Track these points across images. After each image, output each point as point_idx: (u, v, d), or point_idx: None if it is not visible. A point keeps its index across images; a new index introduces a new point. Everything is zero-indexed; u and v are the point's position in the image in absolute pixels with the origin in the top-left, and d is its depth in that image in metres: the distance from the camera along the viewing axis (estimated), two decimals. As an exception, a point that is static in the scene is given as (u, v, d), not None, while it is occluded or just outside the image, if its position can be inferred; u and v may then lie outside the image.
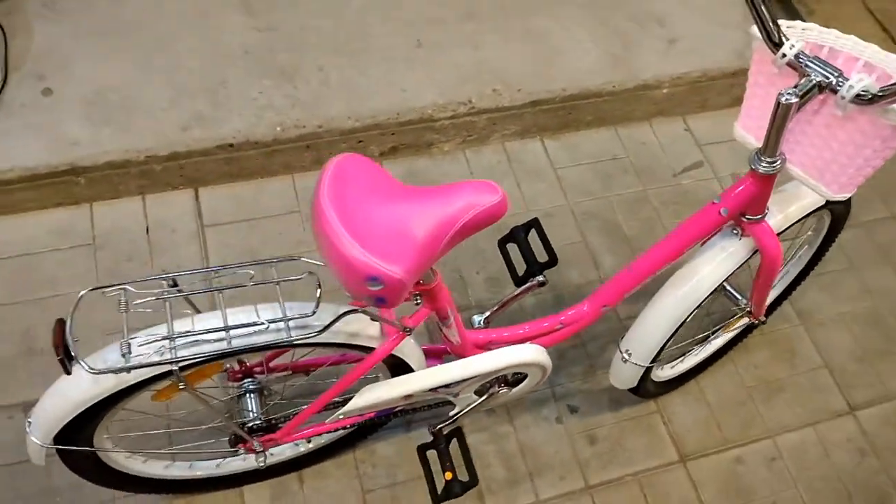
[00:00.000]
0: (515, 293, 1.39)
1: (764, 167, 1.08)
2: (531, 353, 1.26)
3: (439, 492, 1.31)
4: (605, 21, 2.11)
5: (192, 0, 1.94)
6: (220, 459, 1.39)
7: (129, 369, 0.91)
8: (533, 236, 1.42)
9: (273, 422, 1.23)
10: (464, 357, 1.25)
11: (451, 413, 1.39)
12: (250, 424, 1.20)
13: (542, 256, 1.39)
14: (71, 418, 1.00)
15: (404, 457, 1.57)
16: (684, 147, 2.13)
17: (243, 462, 1.42)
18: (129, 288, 0.96)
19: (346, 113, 1.83)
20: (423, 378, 1.19)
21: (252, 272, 1.01)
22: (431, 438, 1.36)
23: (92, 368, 0.90)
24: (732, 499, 1.62)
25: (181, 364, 0.94)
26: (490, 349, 1.30)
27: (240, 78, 1.84)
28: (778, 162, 1.07)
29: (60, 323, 0.92)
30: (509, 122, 1.99)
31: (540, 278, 1.37)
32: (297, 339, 0.98)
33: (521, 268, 1.41)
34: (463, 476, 1.32)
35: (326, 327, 0.99)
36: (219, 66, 1.84)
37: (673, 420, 1.69)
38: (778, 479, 1.65)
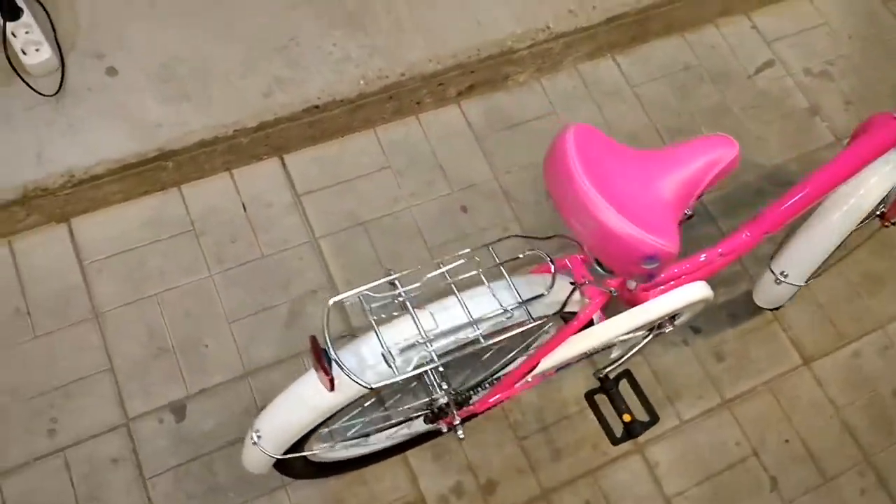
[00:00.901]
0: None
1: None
2: (700, 291, 1.27)
3: (617, 436, 1.34)
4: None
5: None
6: (395, 430, 1.39)
7: (403, 379, 0.88)
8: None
9: (470, 394, 1.23)
10: (636, 303, 1.25)
11: (614, 356, 1.41)
12: (452, 399, 1.20)
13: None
14: (311, 428, 0.99)
15: (547, 400, 1.59)
16: (753, 46, 2.09)
17: (408, 430, 1.43)
18: (368, 293, 0.92)
19: (426, 56, 1.73)
20: (622, 323, 1.19)
21: (478, 258, 0.98)
22: (598, 384, 1.38)
23: (368, 384, 0.87)
24: (857, 390, 1.70)
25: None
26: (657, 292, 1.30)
27: (311, 31, 1.71)
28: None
29: (314, 340, 0.88)
30: (583, 44, 1.91)
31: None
32: (539, 319, 0.96)
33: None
34: (641, 415, 1.35)
35: (564, 305, 0.97)
36: (286, 20, 1.71)
37: (791, 326, 1.74)
38: (893, 366, 1.73)
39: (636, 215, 0.84)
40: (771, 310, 1.66)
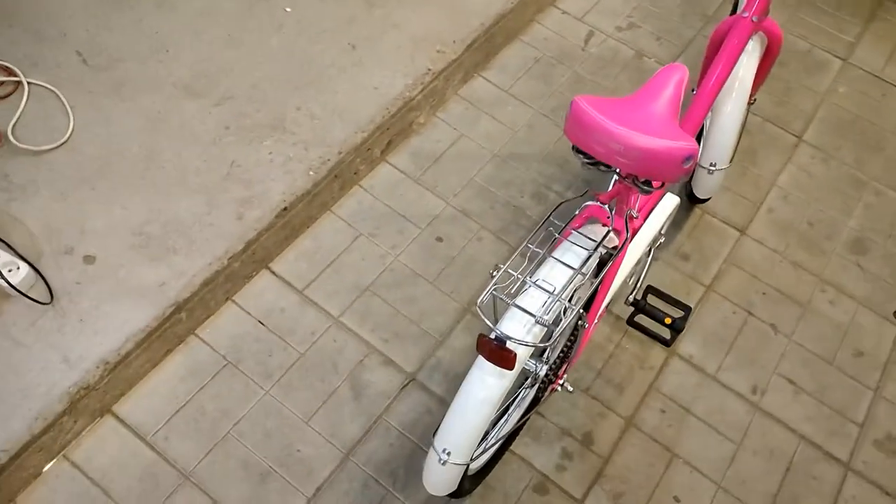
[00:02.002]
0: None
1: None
2: (673, 201, 1.59)
3: (667, 338, 1.61)
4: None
5: (138, 110, 1.88)
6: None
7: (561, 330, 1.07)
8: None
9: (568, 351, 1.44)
10: (634, 231, 1.54)
11: (632, 282, 1.68)
12: (561, 358, 1.40)
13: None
14: (487, 427, 1.14)
15: (587, 354, 1.83)
16: (572, 26, 2.51)
17: (518, 411, 1.60)
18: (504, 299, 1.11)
19: (351, 130, 1.94)
20: (640, 243, 1.47)
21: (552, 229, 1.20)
22: (632, 308, 1.64)
23: (545, 343, 1.05)
24: (785, 234, 2.11)
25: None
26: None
27: (244, 152, 1.85)
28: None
29: (482, 337, 1.04)
30: (456, 73, 2.22)
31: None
32: (615, 254, 1.21)
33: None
34: (676, 313, 1.63)
35: (625, 242, 1.22)
36: (217, 153, 1.84)
37: (717, 212, 2.12)
38: (797, 207, 2.17)
39: (664, 134, 1.11)
40: (703, 201, 2.03)
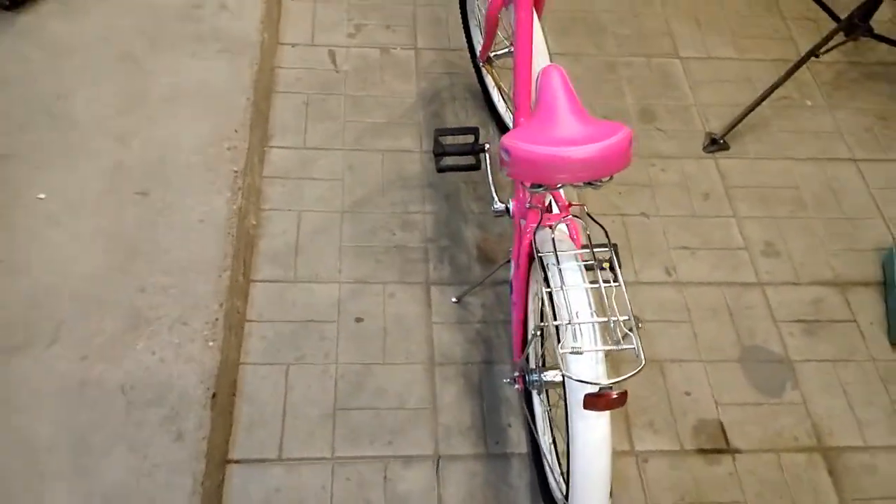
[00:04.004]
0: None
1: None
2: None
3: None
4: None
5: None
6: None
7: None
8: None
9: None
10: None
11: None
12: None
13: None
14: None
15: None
16: (311, 55, 2.44)
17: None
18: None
19: (211, 277, 1.72)
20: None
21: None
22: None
23: (640, 364, 1.08)
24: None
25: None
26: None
27: (123, 372, 1.56)
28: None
29: (592, 396, 1.05)
30: (253, 159, 2.05)
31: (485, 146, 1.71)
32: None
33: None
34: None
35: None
36: (95, 397, 1.53)
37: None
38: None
39: (603, 132, 1.15)
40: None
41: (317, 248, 1.97)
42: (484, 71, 2.20)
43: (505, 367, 1.82)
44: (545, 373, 1.44)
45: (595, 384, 1.07)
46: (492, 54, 2.06)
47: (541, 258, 1.22)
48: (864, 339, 1.97)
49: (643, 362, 1.06)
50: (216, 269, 1.72)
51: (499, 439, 1.71)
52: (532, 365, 1.57)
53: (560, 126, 1.17)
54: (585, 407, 1.08)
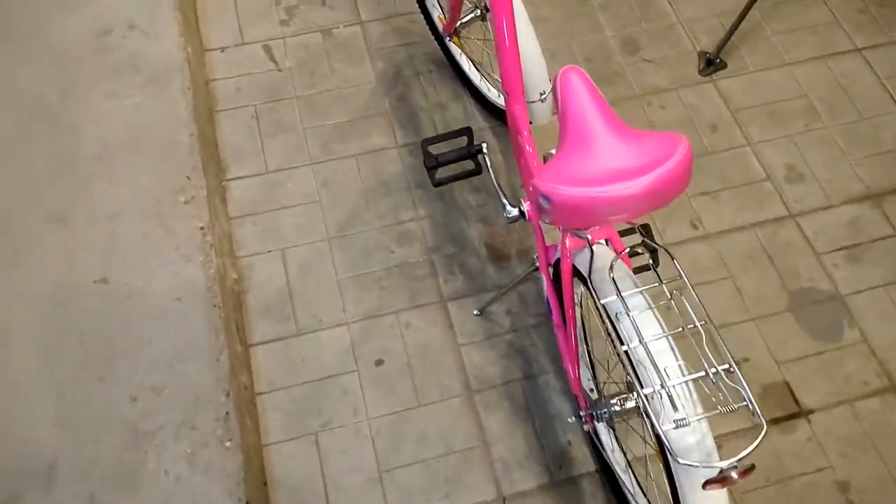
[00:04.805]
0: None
1: None
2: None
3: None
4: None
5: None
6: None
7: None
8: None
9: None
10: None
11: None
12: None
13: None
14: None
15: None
16: (245, 56, 2.12)
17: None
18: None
19: (206, 362, 1.50)
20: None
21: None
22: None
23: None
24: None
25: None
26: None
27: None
28: None
29: (718, 480, 0.88)
30: (214, 203, 1.79)
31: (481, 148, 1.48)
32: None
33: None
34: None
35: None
36: None
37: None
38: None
39: (653, 149, 0.94)
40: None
41: (311, 288, 1.75)
42: (451, 45, 1.92)
43: (549, 378, 1.66)
44: (612, 401, 1.27)
45: (715, 467, 0.89)
46: (457, 24, 1.78)
47: (603, 306, 1.02)
48: (910, 253, 1.84)
49: (764, 427, 0.89)
50: (211, 353, 1.50)
51: (562, 462, 1.57)
52: (593, 393, 1.41)
53: (602, 152, 0.95)
54: (705, 488, 0.91)
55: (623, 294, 1.00)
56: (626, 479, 1.42)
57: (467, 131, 1.48)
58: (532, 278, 1.74)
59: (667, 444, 0.91)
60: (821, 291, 1.79)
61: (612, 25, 2.20)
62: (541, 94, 1.60)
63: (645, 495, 1.40)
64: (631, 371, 0.98)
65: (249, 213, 1.85)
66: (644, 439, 1.38)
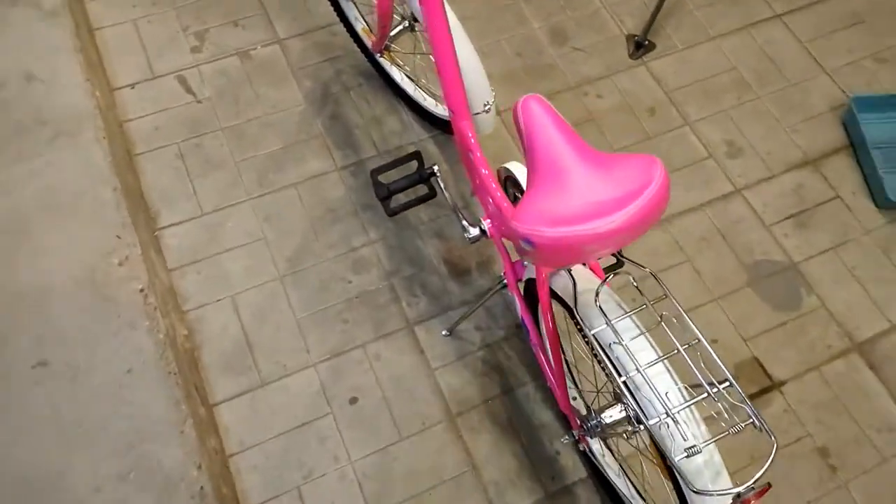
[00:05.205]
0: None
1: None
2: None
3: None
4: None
5: None
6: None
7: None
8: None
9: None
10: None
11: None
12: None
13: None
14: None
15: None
16: (159, 89, 1.98)
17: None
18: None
19: (173, 433, 1.40)
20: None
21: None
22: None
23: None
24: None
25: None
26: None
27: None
28: None
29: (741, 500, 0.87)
30: (150, 257, 1.67)
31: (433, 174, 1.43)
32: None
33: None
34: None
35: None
36: None
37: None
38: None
39: (632, 176, 0.90)
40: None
41: (269, 333, 1.66)
42: (382, 61, 1.85)
43: (528, 389, 1.64)
44: (603, 415, 1.25)
45: (730, 493, 0.88)
46: (387, 40, 1.71)
47: (594, 336, 0.99)
48: (852, 213, 1.89)
49: (775, 444, 0.88)
50: (174, 425, 1.40)
51: (553, 473, 1.55)
52: (576, 401, 1.38)
53: (578, 186, 0.91)
54: (725, 511, 0.89)
55: (613, 322, 0.97)
56: (619, 483, 1.41)
57: (416, 155, 1.42)
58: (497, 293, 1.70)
59: (681, 474, 0.89)
60: (776, 262, 1.82)
61: (538, 16, 2.16)
62: (485, 106, 1.55)
63: (642, 496, 1.40)
64: (631, 401, 0.95)
65: (190, 261, 1.73)
66: (636, 447, 1.37)
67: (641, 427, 0.94)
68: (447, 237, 1.81)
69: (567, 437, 1.33)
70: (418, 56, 1.88)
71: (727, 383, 0.93)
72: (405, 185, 1.41)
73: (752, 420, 0.89)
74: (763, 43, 2.15)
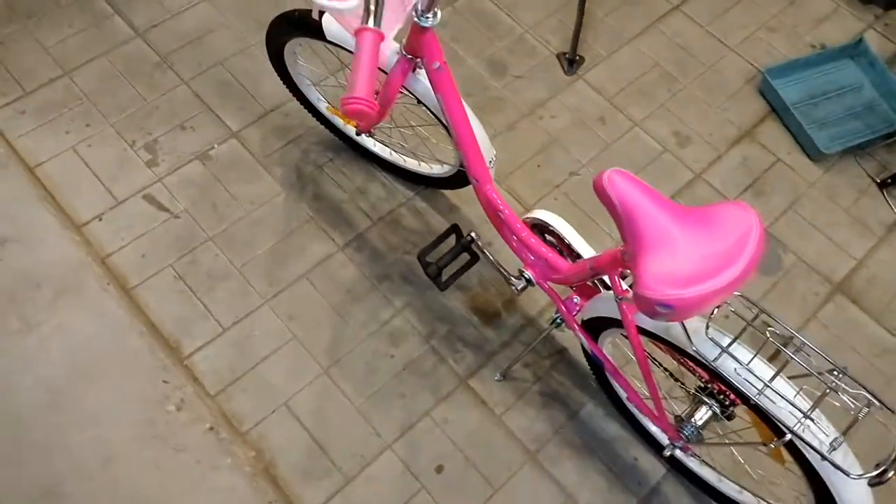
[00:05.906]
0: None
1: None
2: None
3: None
4: None
5: None
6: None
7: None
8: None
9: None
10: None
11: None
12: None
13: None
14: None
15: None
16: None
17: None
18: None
19: None
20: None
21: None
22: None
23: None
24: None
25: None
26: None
27: None
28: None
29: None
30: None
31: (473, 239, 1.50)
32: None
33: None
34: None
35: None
36: None
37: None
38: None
39: (725, 227, 1.03)
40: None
41: (335, 428, 1.66)
42: (369, 142, 1.88)
43: (589, 408, 1.74)
44: (695, 416, 1.38)
45: (885, 472, 1.02)
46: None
47: (722, 375, 1.11)
48: (794, 171, 2.14)
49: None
50: None
51: (639, 479, 1.67)
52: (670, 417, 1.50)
53: (690, 246, 1.01)
54: (870, 485, 1.04)
55: (729, 350, 1.09)
56: (722, 487, 1.54)
57: (454, 229, 1.48)
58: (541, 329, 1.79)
59: (837, 466, 1.03)
60: (749, 231, 2.03)
61: (471, 53, 2.26)
62: (489, 163, 1.62)
63: (753, 493, 1.52)
64: (772, 413, 1.08)
65: (231, 381, 1.69)
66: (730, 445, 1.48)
67: (786, 437, 1.07)
68: (466, 286, 1.87)
69: (669, 449, 1.44)
70: (395, 126, 1.92)
71: (838, 373, 1.08)
72: (450, 259, 1.47)
73: (872, 399, 1.04)
74: (672, 35, 2.36)
